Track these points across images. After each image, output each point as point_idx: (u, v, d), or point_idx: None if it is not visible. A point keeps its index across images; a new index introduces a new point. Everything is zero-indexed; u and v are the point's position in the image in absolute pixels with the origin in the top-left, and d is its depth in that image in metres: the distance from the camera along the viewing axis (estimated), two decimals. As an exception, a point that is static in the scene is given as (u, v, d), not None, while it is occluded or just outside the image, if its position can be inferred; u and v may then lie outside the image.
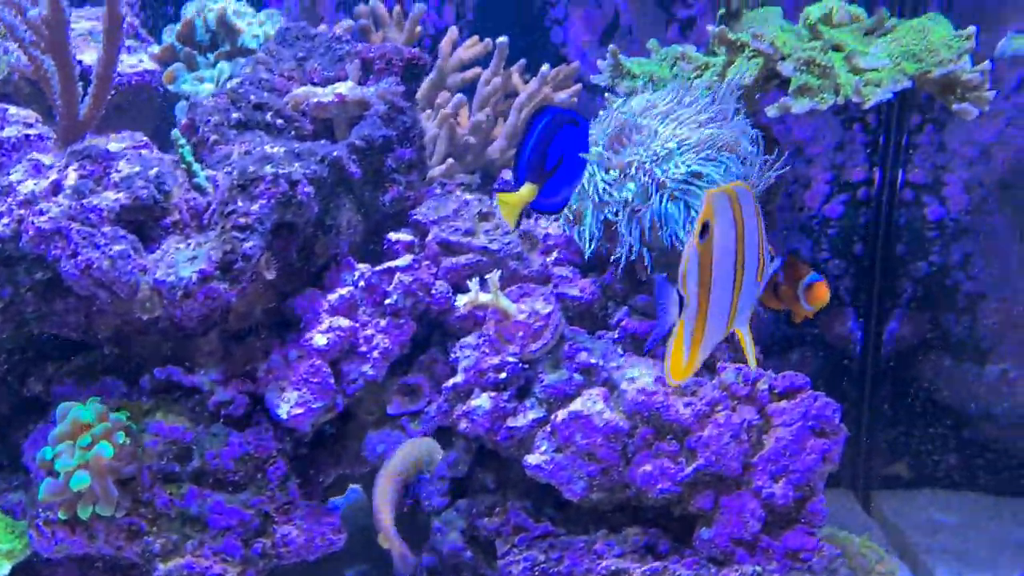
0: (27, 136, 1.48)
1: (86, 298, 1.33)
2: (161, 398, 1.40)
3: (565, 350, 1.41)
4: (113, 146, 1.47)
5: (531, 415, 1.38)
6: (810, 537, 1.31)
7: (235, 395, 1.39)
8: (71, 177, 1.34)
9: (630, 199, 1.40)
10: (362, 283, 1.43)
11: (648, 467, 1.33)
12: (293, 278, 1.43)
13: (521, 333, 1.40)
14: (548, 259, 1.52)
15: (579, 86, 1.89)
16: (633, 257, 1.39)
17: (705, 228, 0.90)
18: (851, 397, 2.20)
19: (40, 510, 1.32)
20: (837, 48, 1.61)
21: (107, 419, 1.32)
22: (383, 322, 1.42)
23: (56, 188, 1.33)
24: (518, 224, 1.22)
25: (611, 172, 1.42)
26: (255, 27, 1.77)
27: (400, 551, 1.28)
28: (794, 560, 1.30)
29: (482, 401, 1.38)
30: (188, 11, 1.77)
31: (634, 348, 1.46)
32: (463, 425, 1.39)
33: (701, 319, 0.93)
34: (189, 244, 1.33)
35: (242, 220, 1.31)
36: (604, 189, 1.40)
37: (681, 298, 0.92)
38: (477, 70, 1.88)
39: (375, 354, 1.41)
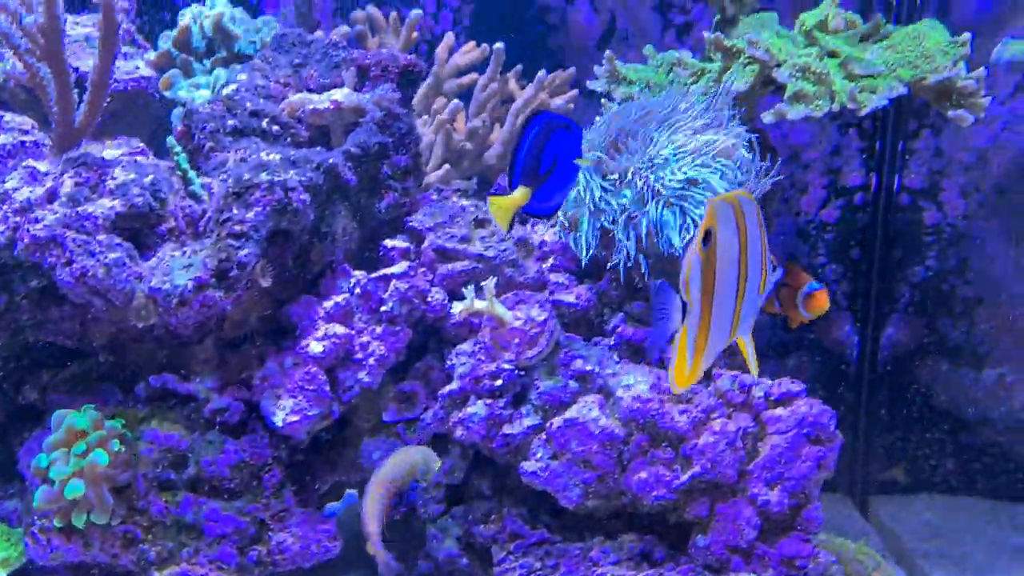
0: (23, 143, 1.48)
1: (81, 306, 1.32)
2: (156, 406, 1.40)
3: (561, 357, 1.41)
4: (109, 153, 1.47)
5: (527, 422, 1.38)
6: (805, 544, 1.31)
7: (230, 402, 1.38)
8: (67, 184, 1.33)
9: (627, 206, 1.40)
10: (358, 290, 1.43)
11: (644, 474, 1.33)
12: (289, 285, 1.43)
13: (517, 340, 1.40)
14: (544, 265, 1.52)
15: (575, 91, 1.89)
16: (630, 264, 1.39)
17: (708, 235, 0.90)
18: (848, 402, 2.20)
19: (35, 518, 1.32)
20: (833, 54, 1.61)
21: (102, 427, 1.32)
22: (379, 329, 1.42)
23: (52, 196, 1.33)
24: (510, 228, 1.22)
25: (608, 177, 1.42)
26: (251, 33, 1.77)
27: (384, 559, 1.27)
28: (789, 567, 1.30)
29: (478, 408, 1.38)
30: (184, 17, 1.77)
31: (630, 355, 1.46)
32: (459, 432, 1.39)
33: (704, 326, 0.93)
34: (184, 252, 1.33)
35: (237, 228, 1.31)
36: (600, 197, 1.40)
37: (684, 304, 0.92)
38: (473, 76, 1.88)
39: (371, 361, 1.41)
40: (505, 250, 1.49)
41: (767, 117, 1.55)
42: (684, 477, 1.32)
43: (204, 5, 1.81)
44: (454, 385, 1.41)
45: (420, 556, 1.47)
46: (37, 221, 1.29)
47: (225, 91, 1.55)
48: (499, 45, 1.83)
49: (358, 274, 1.45)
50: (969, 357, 2.13)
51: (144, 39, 1.85)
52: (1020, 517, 2.10)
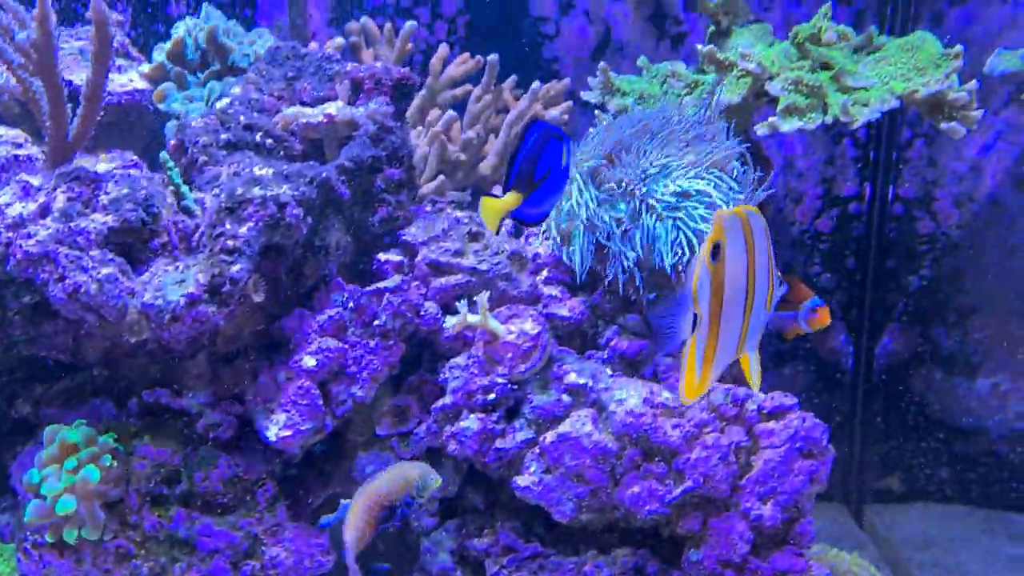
0: (16, 156, 1.48)
1: (74, 321, 1.32)
2: (149, 420, 1.39)
3: (554, 371, 1.42)
4: (102, 166, 1.47)
5: (520, 436, 1.38)
6: (799, 559, 1.31)
7: (223, 417, 1.38)
8: (59, 199, 1.33)
9: (622, 219, 1.40)
10: (351, 304, 1.43)
11: (636, 489, 1.33)
12: (282, 299, 1.43)
13: (510, 354, 1.40)
14: (537, 279, 1.52)
15: (570, 103, 1.89)
16: (624, 277, 1.39)
17: (716, 249, 0.91)
18: (843, 411, 2.20)
19: (28, 533, 1.32)
20: (826, 66, 1.61)
21: (95, 442, 1.32)
22: (372, 343, 1.42)
23: (44, 211, 1.33)
24: (499, 231, 1.21)
25: (603, 188, 1.42)
26: (245, 46, 1.77)
27: (352, 572, 1.25)
28: (783, 582, 1.30)
29: (470, 422, 1.38)
30: (178, 30, 1.77)
31: (624, 368, 1.46)
32: (452, 447, 1.39)
33: (713, 339, 0.93)
34: (177, 267, 1.33)
35: (230, 243, 1.31)
36: (594, 210, 1.40)
37: (695, 316, 0.93)
38: (468, 87, 1.88)
39: (364, 375, 1.41)
40: (498, 264, 1.49)
41: (760, 130, 1.55)
42: (677, 491, 1.32)
43: (198, 18, 1.81)
44: (447, 399, 1.40)
45: (414, 570, 1.47)
46: (30, 236, 1.29)
47: (219, 104, 1.55)
48: (493, 56, 1.84)
49: (351, 288, 1.44)
50: (963, 366, 2.14)
51: (138, 51, 1.85)
52: (1015, 526, 2.10)
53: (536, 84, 1.84)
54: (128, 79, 1.72)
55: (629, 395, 1.37)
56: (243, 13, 2.01)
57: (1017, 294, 2.09)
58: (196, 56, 1.78)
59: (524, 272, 1.52)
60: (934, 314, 2.13)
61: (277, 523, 1.39)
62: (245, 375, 1.41)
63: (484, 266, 1.48)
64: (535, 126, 1.15)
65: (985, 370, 2.13)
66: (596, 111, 1.78)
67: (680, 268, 1.37)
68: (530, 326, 1.41)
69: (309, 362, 1.39)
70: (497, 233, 1.34)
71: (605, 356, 1.46)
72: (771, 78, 1.56)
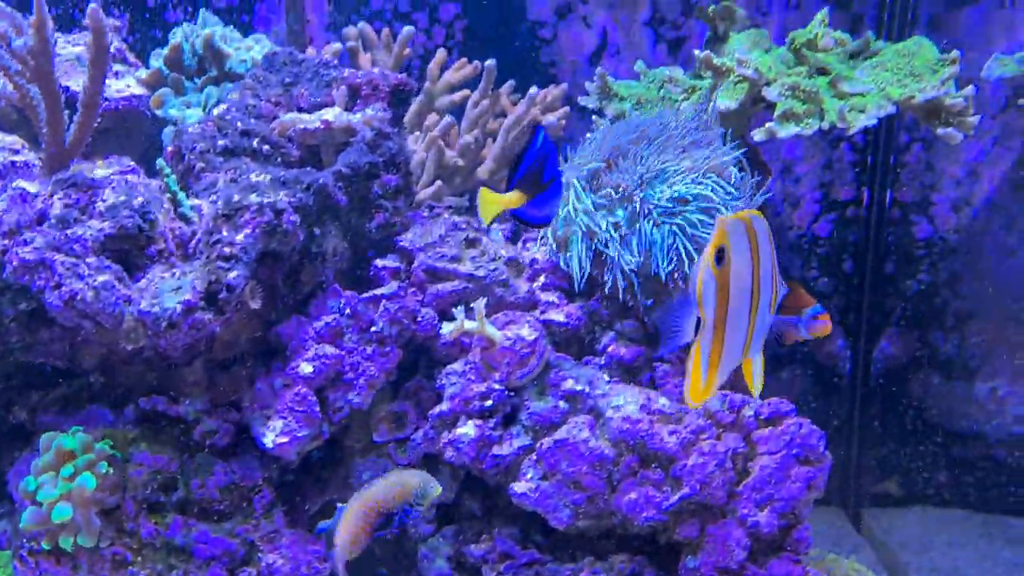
0: (13, 163, 1.48)
1: (71, 328, 1.32)
2: (146, 427, 1.39)
3: (551, 377, 1.42)
4: (100, 172, 1.47)
5: (517, 443, 1.38)
6: (796, 565, 1.32)
7: (220, 424, 1.38)
8: (56, 206, 1.33)
9: (619, 224, 1.40)
10: (348, 311, 1.43)
11: (633, 495, 1.33)
12: (279, 306, 1.43)
13: (507, 360, 1.40)
14: (535, 285, 1.52)
15: (567, 108, 1.89)
16: (623, 283, 1.39)
17: (721, 254, 0.91)
18: (841, 415, 2.20)
19: (24, 540, 1.32)
20: (823, 71, 1.61)
21: (91, 449, 1.32)
22: (369, 350, 1.42)
23: (41, 217, 1.33)
24: (491, 223, 1.21)
25: (600, 193, 1.42)
26: (242, 52, 1.77)
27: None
28: (780, 589, 1.30)
29: (467, 429, 1.38)
30: (175, 36, 1.77)
31: (621, 374, 1.46)
32: (449, 454, 1.39)
33: (718, 343, 0.94)
34: (174, 274, 1.33)
35: (227, 250, 1.31)
36: (592, 217, 1.41)
37: (698, 319, 0.93)
38: (465, 92, 1.88)
39: (361, 382, 1.41)
40: (495, 270, 1.49)
41: (757, 135, 1.55)
42: (674, 498, 1.32)
43: (195, 24, 1.81)
44: (444, 406, 1.40)
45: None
46: (26, 243, 1.29)
47: (216, 111, 1.55)
48: (491, 62, 1.84)
49: (348, 294, 1.44)
50: (961, 370, 2.14)
51: (135, 57, 1.85)
52: (1013, 530, 2.10)
53: (533, 89, 1.84)
54: (125, 85, 1.72)
55: (626, 401, 1.37)
56: (240, 19, 2.01)
57: (1015, 298, 2.09)
58: (193, 62, 1.78)
59: (521, 278, 1.52)
60: (932, 318, 2.13)
61: (274, 530, 1.39)
62: (242, 382, 1.41)
63: (481, 272, 1.48)
64: (539, 129, 1.16)
65: (983, 374, 2.13)
66: (594, 116, 1.78)
67: (676, 275, 1.37)
68: (527, 332, 1.41)
69: (306, 369, 1.39)
70: (488, 226, 1.33)
71: (602, 362, 1.46)
72: (768, 84, 1.56)
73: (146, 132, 1.76)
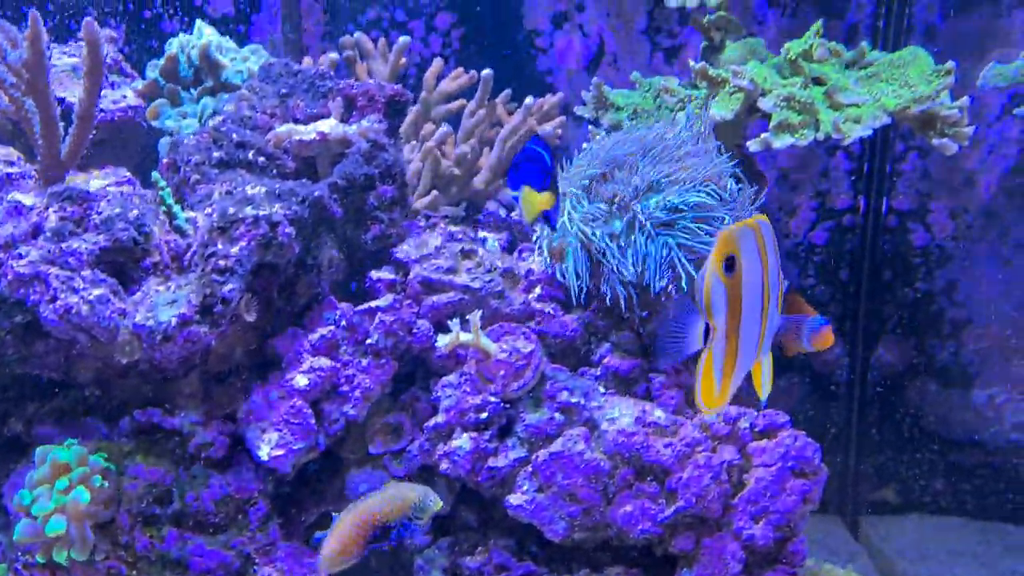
0: (8, 175, 1.48)
1: (66, 341, 1.32)
2: (141, 440, 1.39)
3: (547, 389, 1.41)
4: (96, 183, 1.47)
5: (512, 455, 1.38)
6: (791, 577, 1.32)
7: (216, 437, 1.38)
8: (51, 219, 1.33)
9: (615, 234, 1.40)
10: (343, 322, 1.43)
11: (629, 508, 1.33)
12: (274, 318, 1.43)
13: (502, 372, 1.40)
14: (530, 296, 1.51)
15: (563, 118, 1.89)
16: (624, 294, 1.39)
17: (732, 262, 0.91)
18: (838, 423, 2.20)
19: (19, 553, 1.32)
20: (818, 81, 1.62)
21: (86, 462, 1.32)
22: (364, 362, 1.42)
23: (36, 230, 1.33)
24: (534, 222, 1.24)
25: (596, 203, 1.42)
26: (239, 62, 1.77)
27: None
28: (775, 601, 1.30)
29: (463, 442, 1.38)
30: (171, 46, 1.77)
31: (616, 385, 1.46)
32: (444, 466, 1.39)
33: (732, 351, 0.94)
34: (169, 287, 1.33)
35: (222, 263, 1.31)
36: (589, 228, 1.41)
37: (707, 327, 0.92)
38: (462, 102, 1.88)
39: (356, 394, 1.41)
40: (491, 281, 1.49)
41: (753, 146, 1.56)
42: (669, 511, 1.32)
43: (191, 34, 1.81)
44: (439, 418, 1.40)
45: (407, 587, 1.47)
46: (21, 257, 1.29)
47: (211, 122, 1.55)
48: (487, 72, 1.84)
49: (344, 306, 1.45)
50: (958, 378, 2.14)
51: (132, 68, 1.85)
52: (1011, 538, 2.10)
53: (530, 99, 1.85)
54: (122, 95, 1.72)
55: (621, 414, 1.37)
56: (237, 29, 2.02)
57: (1012, 305, 2.09)
58: (189, 73, 1.78)
59: (517, 289, 1.52)
60: (928, 326, 2.13)
61: (269, 542, 1.39)
62: (237, 394, 1.41)
63: (477, 284, 1.48)
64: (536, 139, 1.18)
65: (980, 382, 2.13)
66: (590, 126, 1.78)
67: (670, 287, 1.37)
68: (523, 344, 1.41)
69: (301, 381, 1.39)
70: (533, 224, 1.34)
71: (598, 373, 1.46)
72: (763, 94, 1.56)
73: (142, 142, 1.76)
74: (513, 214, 1.71)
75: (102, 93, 1.49)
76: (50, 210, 1.35)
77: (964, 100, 1.53)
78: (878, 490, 2.22)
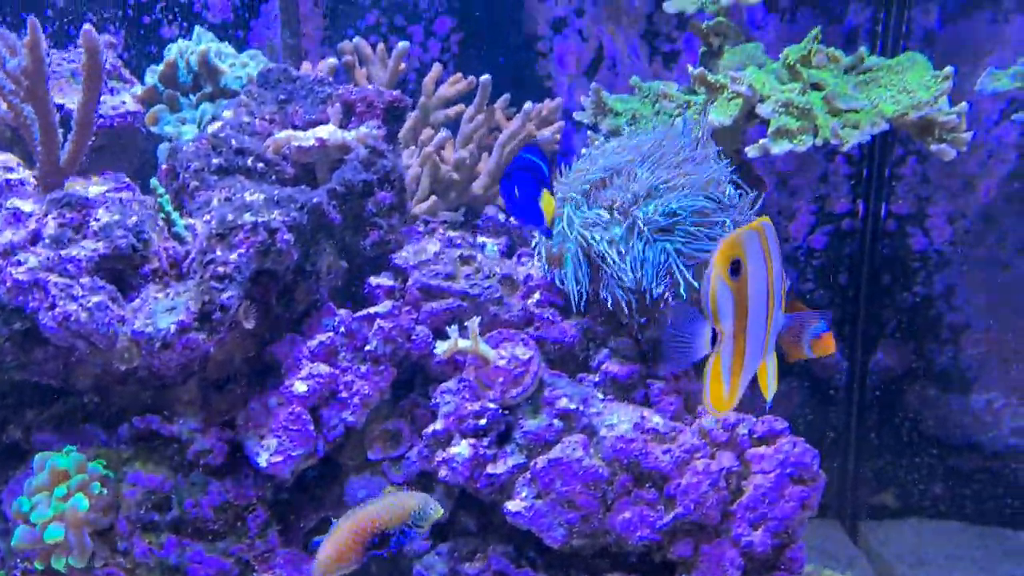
0: (7, 181, 1.48)
1: (65, 348, 1.32)
2: (140, 447, 1.39)
3: (545, 396, 1.41)
4: (94, 189, 1.47)
5: (511, 461, 1.38)
6: (790, 584, 1.32)
7: (214, 443, 1.38)
8: (50, 226, 1.33)
9: (614, 240, 1.40)
10: (342, 329, 1.43)
11: (627, 514, 1.33)
12: (273, 325, 1.43)
13: (501, 379, 1.40)
14: (529, 302, 1.52)
15: (562, 123, 1.90)
16: (624, 299, 1.39)
17: (737, 266, 0.91)
18: (837, 427, 2.20)
19: (18, 560, 1.32)
20: (816, 87, 1.62)
21: (85, 469, 1.32)
22: (363, 368, 1.42)
23: (35, 237, 1.33)
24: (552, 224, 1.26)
25: (595, 209, 1.42)
26: (237, 68, 1.77)
27: None
28: (774, 608, 1.30)
29: (461, 449, 1.38)
30: (171, 52, 1.77)
31: (615, 391, 1.46)
32: (443, 473, 1.39)
33: (739, 354, 0.94)
34: (168, 293, 1.33)
35: (221, 270, 1.31)
36: (588, 233, 1.41)
37: (714, 331, 0.93)
38: (460, 107, 1.88)
39: (355, 400, 1.41)
40: (490, 287, 1.49)
41: (751, 152, 1.56)
42: (668, 518, 1.32)
43: (190, 40, 1.81)
44: (438, 425, 1.40)
45: (406, 593, 1.47)
46: (20, 264, 1.29)
47: (210, 129, 1.55)
48: (486, 77, 1.84)
49: (342, 313, 1.45)
50: (957, 382, 2.14)
51: (131, 73, 1.86)
52: (1009, 543, 2.10)
53: (528, 104, 1.85)
54: (121, 101, 1.72)
55: (620, 420, 1.37)
56: (235, 34, 2.02)
57: (1011, 310, 2.09)
58: (188, 78, 1.78)
59: (516, 295, 1.52)
60: (927, 330, 2.13)
61: (268, 549, 1.39)
62: (236, 401, 1.41)
63: (475, 290, 1.48)
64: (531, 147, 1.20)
65: (979, 386, 2.14)
66: (589, 132, 1.78)
67: (668, 293, 1.37)
68: (521, 351, 1.41)
69: (300, 388, 1.39)
70: (550, 229, 1.36)
71: (596, 379, 1.46)
72: (762, 100, 1.57)
73: (141, 148, 1.77)
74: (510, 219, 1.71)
75: (101, 99, 1.49)
76: (49, 217, 1.35)
77: (962, 106, 1.53)
78: (877, 494, 2.22)
